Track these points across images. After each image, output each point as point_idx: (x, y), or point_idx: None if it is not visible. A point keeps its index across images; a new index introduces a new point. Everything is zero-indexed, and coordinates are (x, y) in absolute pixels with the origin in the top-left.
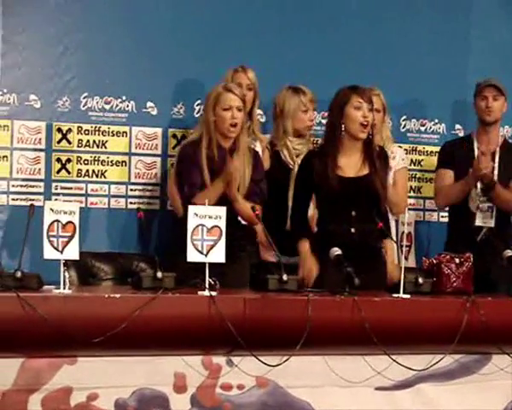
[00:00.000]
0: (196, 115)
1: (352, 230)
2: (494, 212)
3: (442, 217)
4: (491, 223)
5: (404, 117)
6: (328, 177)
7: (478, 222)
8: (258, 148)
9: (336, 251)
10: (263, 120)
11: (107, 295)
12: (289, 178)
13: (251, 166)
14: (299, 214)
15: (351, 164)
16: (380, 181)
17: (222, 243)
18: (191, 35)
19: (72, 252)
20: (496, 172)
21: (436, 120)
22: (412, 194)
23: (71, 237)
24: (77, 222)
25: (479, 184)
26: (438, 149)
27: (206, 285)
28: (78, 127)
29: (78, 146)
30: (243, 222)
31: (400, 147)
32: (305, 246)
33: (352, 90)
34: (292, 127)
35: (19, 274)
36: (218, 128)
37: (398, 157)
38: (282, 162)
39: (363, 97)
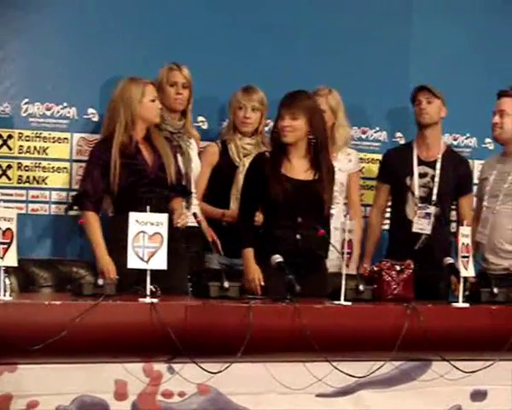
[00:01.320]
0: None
1: (298, 236)
2: (431, 219)
3: (384, 224)
4: (428, 230)
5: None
6: (275, 180)
7: (415, 229)
8: (194, 145)
9: (277, 258)
10: (205, 126)
11: (47, 303)
12: (234, 175)
13: (172, 152)
14: (246, 220)
15: (297, 168)
16: (327, 186)
17: (163, 250)
18: (133, 41)
19: (11, 259)
20: (437, 180)
21: (377, 128)
22: (359, 199)
23: (9, 244)
24: (14, 229)
25: (416, 192)
26: (379, 156)
27: (147, 292)
28: (19, 133)
29: (18, 152)
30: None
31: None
32: (249, 254)
33: (282, 103)
34: (232, 122)
35: None
36: (144, 118)
37: (354, 160)
38: (229, 158)
39: (287, 108)
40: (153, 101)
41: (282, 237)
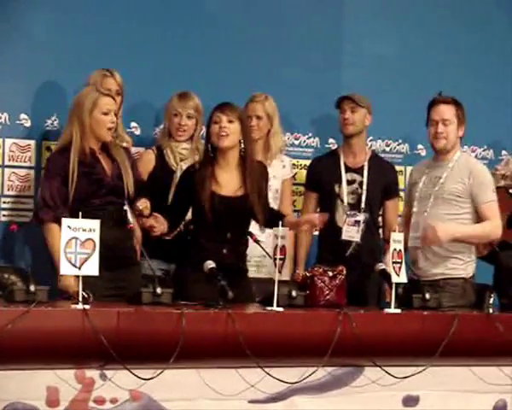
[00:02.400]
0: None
1: (224, 250)
2: (361, 227)
3: (316, 230)
4: (358, 237)
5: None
6: (204, 195)
7: (344, 236)
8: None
9: (210, 264)
10: (138, 132)
11: None
12: (171, 180)
13: (129, 161)
14: (170, 228)
15: (228, 182)
16: (258, 200)
17: (95, 256)
18: (66, 46)
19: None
20: (365, 186)
21: (310, 134)
22: (291, 206)
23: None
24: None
25: (345, 199)
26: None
27: (80, 299)
28: None
29: None
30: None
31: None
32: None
33: (215, 108)
34: (168, 128)
35: None
36: (94, 132)
37: (287, 166)
38: (166, 163)
39: (222, 111)
40: (105, 114)
41: (208, 247)
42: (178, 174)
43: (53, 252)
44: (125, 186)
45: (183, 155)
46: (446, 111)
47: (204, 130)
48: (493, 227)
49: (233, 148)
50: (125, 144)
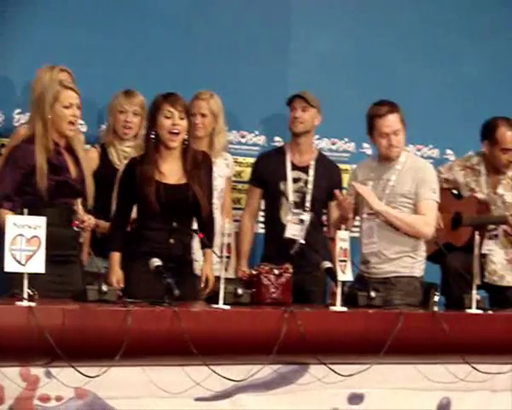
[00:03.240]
0: (16, 124)
1: (171, 240)
2: (305, 225)
3: (261, 228)
4: (301, 236)
5: (225, 129)
6: (149, 185)
7: (287, 234)
8: None
9: (156, 262)
10: (84, 129)
11: None
12: (114, 178)
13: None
14: (118, 224)
15: (171, 172)
16: (201, 189)
17: (41, 253)
18: (12, 42)
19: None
20: (310, 185)
21: (256, 132)
22: (232, 205)
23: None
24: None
25: (291, 197)
26: None
27: (25, 296)
28: None
29: None
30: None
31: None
32: (114, 257)
33: (164, 98)
34: (112, 126)
35: None
36: (56, 126)
37: (231, 164)
38: (110, 162)
39: (174, 106)
40: (66, 107)
41: (155, 239)
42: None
43: None
44: (87, 188)
45: (126, 153)
46: (395, 122)
47: None
48: (423, 222)
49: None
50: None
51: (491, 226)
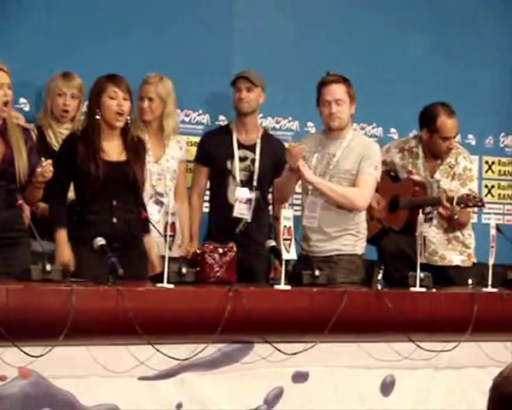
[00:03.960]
0: None
1: (114, 220)
2: (252, 204)
3: (206, 207)
4: (249, 215)
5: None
6: (89, 162)
7: (235, 214)
8: None
9: (100, 241)
10: (27, 108)
11: None
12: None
13: (26, 146)
14: (58, 200)
15: (112, 149)
16: (139, 169)
17: None
18: None
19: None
20: (257, 164)
21: (200, 111)
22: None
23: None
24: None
25: (237, 176)
26: None
27: None
28: None
29: None
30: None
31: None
32: (61, 236)
33: (108, 79)
34: (50, 109)
35: None
36: None
37: (184, 147)
38: (47, 144)
39: (119, 86)
40: None
41: (97, 221)
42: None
43: None
44: (17, 172)
45: (64, 135)
46: (338, 90)
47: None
48: (357, 194)
49: None
50: (15, 120)
51: (427, 209)
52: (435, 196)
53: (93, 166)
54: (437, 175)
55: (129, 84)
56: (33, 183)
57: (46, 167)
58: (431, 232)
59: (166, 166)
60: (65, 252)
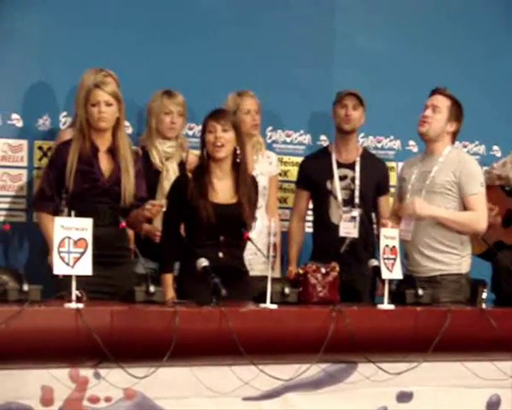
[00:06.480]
0: (62, 127)
1: (220, 254)
2: (357, 222)
3: (308, 227)
4: (355, 233)
5: (270, 128)
6: (199, 207)
7: (342, 233)
8: None
9: (203, 262)
10: (129, 131)
11: None
12: (157, 181)
13: (134, 166)
14: (168, 242)
15: (223, 189)
16: (250, 212)
17: (88, 255)
18: (58, 46)
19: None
20: (358, 181)
21: (301, 131)
22: (278, 204)
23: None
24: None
25: (339, 196)
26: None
27: (73, 297)
28: None
29: None
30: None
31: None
32: (168, 280)
33: (209, 115)
34: (155, 128)
35: None
36: (92, 126)
37: (274, 162)
38: (151, 164)
39: (217, 120)
40: (93, 105)
41: (204, 255)
42: (164, 174)
43: (47, 241)
44: (122, 191)
45: (168, 154)
46: (439, 100)
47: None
48: (477, 218)
49: (227, 158)
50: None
51: None
52: None
53: (205, 210)
54: None
55: (229, 118)
56: (139, 213)
57: (157, 207)
58: None
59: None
60: (169, 296)
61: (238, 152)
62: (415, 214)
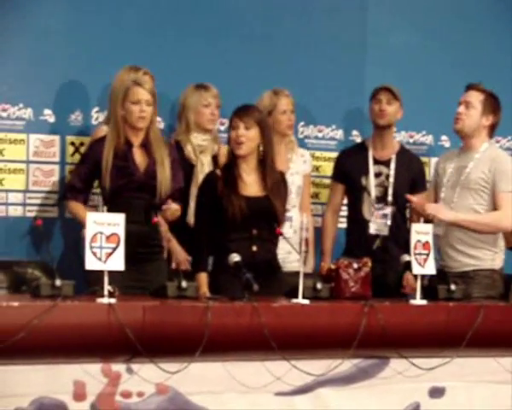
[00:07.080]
0: (94, 123)
1: (254, 248)
2: (388, 220)
3: (341, 223)
4: (386, 231)
5: (302, 123)
6: (230, 201)
7: (372, 230)
8: None
9: (235, 257)
10: (161, 125)
11: (5, 304)
12: (192, 174)
13: (169, 158)
14: (200, 240)
15: (249, 185)
16: (280, 204)
17: (121, 251)
18: (87, 42)
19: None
20: (392, 179)
21: (333, 127)
22: (311, 200)
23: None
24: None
25: (373, 192)
26: (335, 154)
27: (105, 293)
28: None
29: None
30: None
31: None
32: (202, 279)
33: (234, 111)
34: (194, 122)
35: None
36: (128, 122)
37: (308, 161)
38: (185, 158)
39: (240, 117)
40: (133, 103)
41: (237, 249)
42: (198, 168)
43: (81, 220)
44: (158, 185)
45: (202, 147)
46: (472, 95)
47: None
48: (499, 217)
49: (251, 154)
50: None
51: None
52: None
53: (233, 207)
54: None
55: (254, 115)
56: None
57: (172, 211)
58: None
59: (291, 181)
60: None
61: (261, 149)
62: (438, 214)
